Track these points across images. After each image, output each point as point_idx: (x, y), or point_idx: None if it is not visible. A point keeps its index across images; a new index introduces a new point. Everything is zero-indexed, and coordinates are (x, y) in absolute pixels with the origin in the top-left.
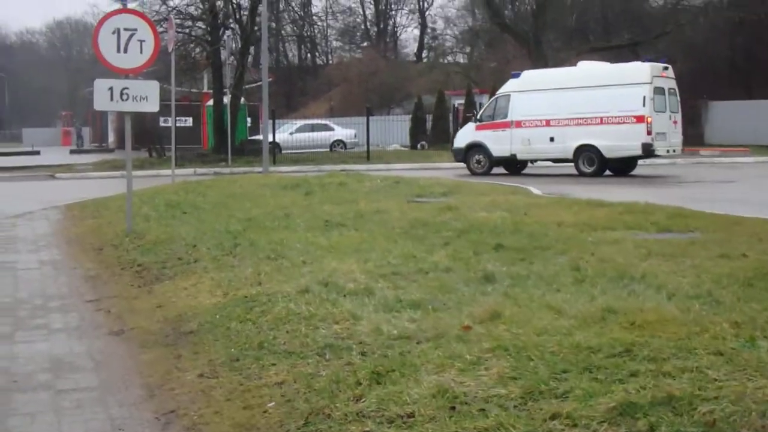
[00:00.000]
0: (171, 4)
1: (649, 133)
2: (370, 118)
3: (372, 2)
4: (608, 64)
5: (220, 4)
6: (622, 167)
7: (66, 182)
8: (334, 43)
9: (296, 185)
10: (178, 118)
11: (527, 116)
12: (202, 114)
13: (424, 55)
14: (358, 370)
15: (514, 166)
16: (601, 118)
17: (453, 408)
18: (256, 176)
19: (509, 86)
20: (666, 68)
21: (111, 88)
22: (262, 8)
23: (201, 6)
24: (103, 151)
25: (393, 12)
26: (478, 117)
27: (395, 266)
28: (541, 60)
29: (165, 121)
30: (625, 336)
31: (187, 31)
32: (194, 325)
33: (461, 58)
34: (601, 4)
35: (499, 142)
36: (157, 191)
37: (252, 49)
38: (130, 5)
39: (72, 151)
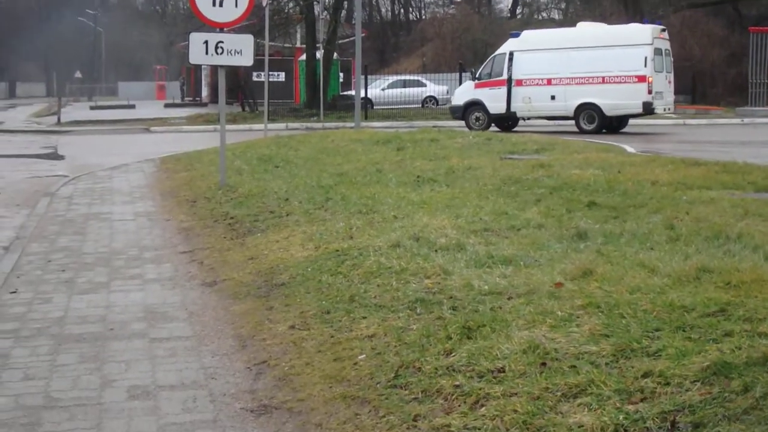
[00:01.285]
0: None
1: (649, 92)
2: (463, 74)
3: None
4: (606, 25)
5: None
6: (615, 125)
7: (160, 136)
8: None
9: (388, 141)
10: (270, 72)
11: (528, 75)
12: (294, 69)
13: (518, 11)
14: (448, 324)
15: (506, 122)
16: (603, 78)
17: (544, 364)
18: (348, 131)
19: (509, 45)
20: (663, 30)
21: (206, 42)
22: None
23: None
24: (197, 105)
25: None
26: (477, 75)
27: (487, 222)
28: (637, 16)
29: (258, 75)
30: (719, 295)
31: None
32: (286, 277)
33: (556, 15)
34: None
35: (498, 100)
36: (250, 145)
37: (345, 4)
38: None
39: (166, 105)
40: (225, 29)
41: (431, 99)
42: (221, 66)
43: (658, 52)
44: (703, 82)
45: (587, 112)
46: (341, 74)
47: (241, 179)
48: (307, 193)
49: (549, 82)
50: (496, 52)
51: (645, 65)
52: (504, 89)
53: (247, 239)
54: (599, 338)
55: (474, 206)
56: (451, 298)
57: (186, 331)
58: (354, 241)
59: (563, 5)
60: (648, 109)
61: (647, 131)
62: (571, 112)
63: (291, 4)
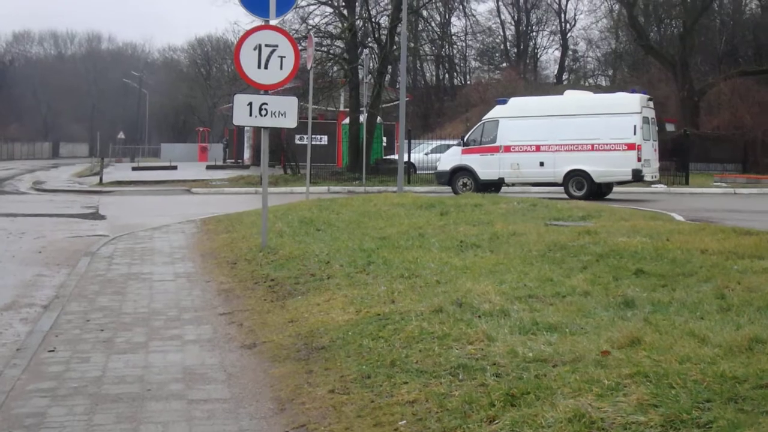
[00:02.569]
0: (311, 22)
1: (639, 159)
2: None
3: (512, 23)
4: (593, 93)
5: (359, 23)
6: (601, 191)
7: (202, 197)
8: (473, 63)
9: (431, 205)
10: (313, 135)
11: (516, 141)
12: (337, 132)
13: (564, 77)
14: (492, 391)
15: (491, 188)
16: (592, 145)
17: None
18: (391, 195)
19: (496, 112)
20: (650, 99)
21: (250, 104)
22: (402, 27)
23: (340, 25)
24: (239, 167)
25: (534, 33)
26: (464, 141)
27: (531, 289)
28: (686, 84)
29: (300, 138)
30: None
31: (326, 49)
32: (326, 340)
33: (603, 81)
34: (753, 26)
35: (487, 166)
36: (291, 208)
37: (389, 68)
38: (272, 23)
39: (208, 167)
40: (269, 91)
41: None
42: (265, 128)
43: (645, 120)
44: (754, 151)
45: (576, 178)
46: (384, 138)
47: (282, 242)
48: (349, 256)
49: (538, 148)
50: (484, 119)
51: (634, 133)
52: (496, 156)
53: (288, 302)
54: (647, 408)
55: (518, 272)
56: (494, 364)
57: (224, 393)
58: (396, 305)
59: (610, 72)
60: (637, 177)
61: (695, 199)
62: (560, 179)
63: (335, 68)
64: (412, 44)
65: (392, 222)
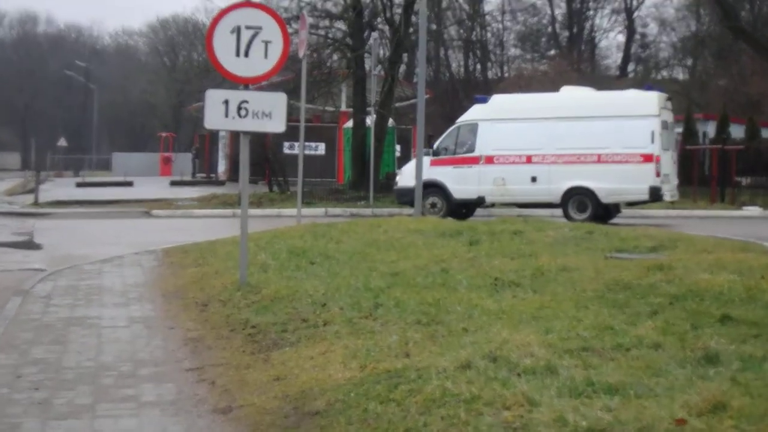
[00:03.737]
0: None
1: (657, 174)
2: None
3: None
4: (596, 91)
5: None
6: (607, 213)
7: (164, 221)
8: (512, 51)
9: (457, 233)
10: (307, 143)
11: (501, 150)
12: (338, 139)
13: (630, 68)
14: None
15: (463, 209)
16: (599, 156)
17: None
18: (406, 220)
19: (475, 113)
20: (669, 98)
21: (226, 101)
22: (420, 4)
23: (342, 1)
24: (212, 183)
25: (590, 12)
26: (434, 149)
27: (586, 339)
28: None
29: (290, 147)
30: None
31: (323, 32)
32: (321, 404)
33: (680, 73)
34: None
35: (462, 182)
36: (278, 235)
37: (405, 57)
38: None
39: (173, 183)
40: (251, 86)
41: None
42: (245, 132)
43: (664, 125)
44: None
45: (578, 197)
46: (398, 146)
47: (267, 277)
48: (351, 297)
49: (529, 159)
50: (459, 121)
51: (652, 141)
52: (475, 169)
53: (273, 354)
54: None
55: (569, 318)
56: None
57: None
58: (411, 359)
59: (689, 61)
60: (655, 196)
61: None
62: (557, 198)
63: (335, 57)
64: (434, 26)
65: (407, 254)
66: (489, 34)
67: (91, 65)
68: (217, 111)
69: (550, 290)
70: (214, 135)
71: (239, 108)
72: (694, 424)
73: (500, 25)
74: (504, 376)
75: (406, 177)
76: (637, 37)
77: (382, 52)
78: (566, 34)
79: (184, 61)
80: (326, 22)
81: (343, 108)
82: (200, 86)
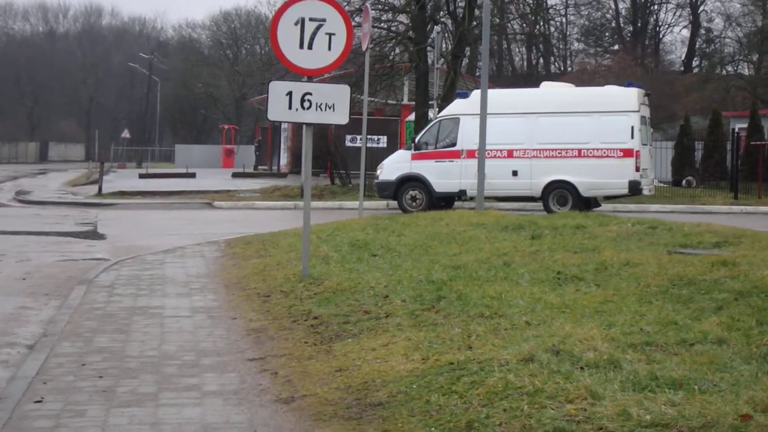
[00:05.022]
0: None
1: (637, 168)
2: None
3: None
4: (575, 87)
5: None
6: (588, 204)
7: (226, 212)
8: (575, 45)
9: (519, 227)
10: (369, 136)
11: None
12: (399, 132)
13: (694, 63)
14: None
15: (442, 202)
16: (579, 150)
17: None
18: (468, 213)
19: (456, 108)
20: (647, 94)
21: (290, 94)
22: None
23: None
24: (273, 175)
25: (655, 6)
26: (416, 143)
27: (649, 334)
28: None
29: (353, 139)
30: None
31: (386, 25)
32: (383, 395)
33: (746, 69)
34: None
35: (444, 176)
36: (340, 227)
37: (467, 51)
38: None
39: (235, 175)
40: (314, 78)
41: None
42: (307, 125)
43: (642, 121)
44: None
45: (559, 191)
46: None
47: (329, 270)
48: (413, 289)
49: (510, 154)
50: (440, 115)
51: (632, 136)
52: (457, 163)
53: (335, 346)
54: None
55: (632, 313)
56: (600, 429)
57: None
58: (473, 352)
59: (755, 57)
60: (635, 190)
61: None
62: (538, 192)
63: (398, 50)
64: (497, 20)
65: (469, 247)
66: (552, 28)
67: (154, 58)
68: (280, 103)
69: (613, 285)
70: (276, 127)
71: (302, 100)
72: (760, 420)
73: (564, 19)
74: (567, 370)
75: (386, 171)
76: (702, 32)
77: (444, 45)
78: (630, 28)
79: (246, 54)
80: (389, 16)
81: (405, 101)
82: (262, 79)
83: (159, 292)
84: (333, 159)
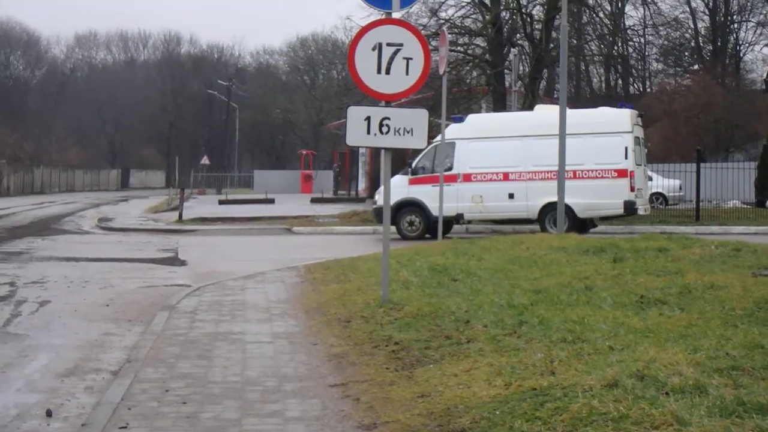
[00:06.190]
0: (443, 15)
1: (632, 189)
2: (702, 165)
3: (707, 12)
4: (570, 109)
5: (505, 14)
6: (585, 226)
7: (305, 238)
8: (654, 65)
9: (601, 250)
10: None
11: (478, 168)
12: None
13: None
14: None
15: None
16: (574, 172)
17: None
18: (548, 236)
19: (451, 132)
20: (641, 115)
21: (368, 118)
22: (562, 19)
23: (481, 18)
24: (352, 200)
25: (735, 25)
26: (412, 168)
27: (735, 359)
28: None
29: None
30: None
31: (463, 49)
32: (466, 421)
33: None
34: None
35: (445, 200)
36: (420, 252)
37: (545, 73)
38: (395, 16)
39: (313, 200)
40: (392, 103)
41: (658, 196)
42: (386, 149)
43: (636, 141)
44: None
45: (555, 213)
46: None
47: (409, 295)
48: (494, 314)
49: (506, 177)
50: (436, 140)
51: (626, 157)
52: (453, 187)
53: (416, 371)
54: None
55: (718, 337)
56: None
57: None
58: (556, 377)
59: None
60: (630, 210)
61: None
62: (534, 214)
63: (475, 73)
64: (575, 41)
65: (550, 271)
66: (631, 49)
67: (232, 84)
68: (358, 128)
69: (698, 308)
70: (353, 152)
71: (381, 125)
72: None
73: (642, 40)
74: (652, 395)
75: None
76: None
77: (521, 68)
78: (710, 47)
79: (323, 79)
80: (465, 39)
81: None
82: (340, 104)
83: (240, 317)
84: None
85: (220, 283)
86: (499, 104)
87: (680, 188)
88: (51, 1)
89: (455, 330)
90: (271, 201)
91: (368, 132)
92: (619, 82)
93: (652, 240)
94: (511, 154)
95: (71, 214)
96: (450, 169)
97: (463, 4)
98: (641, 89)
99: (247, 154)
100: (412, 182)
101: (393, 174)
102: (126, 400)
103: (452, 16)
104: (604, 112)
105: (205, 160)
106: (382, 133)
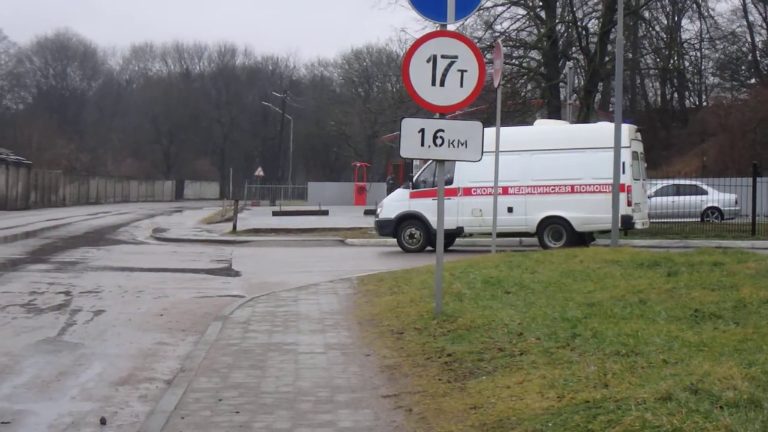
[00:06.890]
0: (498, 28)
1: (629, 203)
2: (758, 179)
3: (764, 26)
4: (569, 124)
5: (560, 28)
6: (582, 239)
7: (358, 249)
8: (710, 79)
9: (655, 264)
10: None
11: (478, 182)
12: None
13: None
14: None
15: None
16: (572, 186)
17: None
18: (602, 250)
19: None
20: (639, 130)
21: (422, 130)
22: (617, 33)
23: (536, 31)
24: None
25: None
26: (413, 182)
27: None
28: None
29: None
30: None
31: (517, 62)
32: None
33: None
34: None
35: (446, 213)
36: (473, 264)
37: (600, 86)
38: (450, 28)
39: (367, 212)
40: (446, 115)
41: (714, 211)
42: (440, 161)
43: (634, 156)
44: None
45: (553, 227)
46: None
47: (462, 307)
48: (548, 327)
49: (505, 190)
50: None
51: (623, 171)
52: (454, 200)
53: (469, 383)
54: None
55: None
56: None
57: None
58: (610, 390)
59: None
60: (627, 224)
61: None
62: (533, 228)
63: (529, 86)
64: (630, 54)
65: (604, 284)
66: (687, 63)
67: (287, 96)
68: (413, 140)
69: (753, 323)
70: (407, 164)
71: (435, 137)
72: None
73: (698, 53)
74: (706, 409)
75: (386, 209)
76: None
77: (577, 81)
78: (767, 61)
79: (377, 92)
80: (520, 52)
81: None
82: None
83: (293, 328)
84: None
85: (274, 294)
86: (554, 117)
87: (736, 202)
88: (108, 14)
89: (508, 342)
90: (325, 213)
91: (422, 144)
92: (675, 96)
93: (707, 254)
94: (510, 168)
95: (126, 225)
96: (450, 182)
97: (519, 17)
98: (697, 103)
99: (301, 166)
100: (413, 196)
101: (395, 188)
102: (179, 409)
103: (507, 29)
104: (603, 127)
105: (259, 172)
106: (436, 145)
